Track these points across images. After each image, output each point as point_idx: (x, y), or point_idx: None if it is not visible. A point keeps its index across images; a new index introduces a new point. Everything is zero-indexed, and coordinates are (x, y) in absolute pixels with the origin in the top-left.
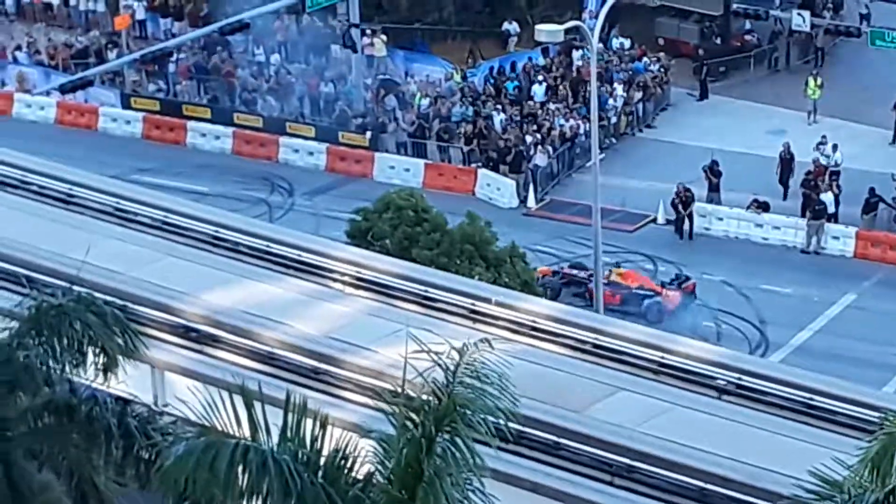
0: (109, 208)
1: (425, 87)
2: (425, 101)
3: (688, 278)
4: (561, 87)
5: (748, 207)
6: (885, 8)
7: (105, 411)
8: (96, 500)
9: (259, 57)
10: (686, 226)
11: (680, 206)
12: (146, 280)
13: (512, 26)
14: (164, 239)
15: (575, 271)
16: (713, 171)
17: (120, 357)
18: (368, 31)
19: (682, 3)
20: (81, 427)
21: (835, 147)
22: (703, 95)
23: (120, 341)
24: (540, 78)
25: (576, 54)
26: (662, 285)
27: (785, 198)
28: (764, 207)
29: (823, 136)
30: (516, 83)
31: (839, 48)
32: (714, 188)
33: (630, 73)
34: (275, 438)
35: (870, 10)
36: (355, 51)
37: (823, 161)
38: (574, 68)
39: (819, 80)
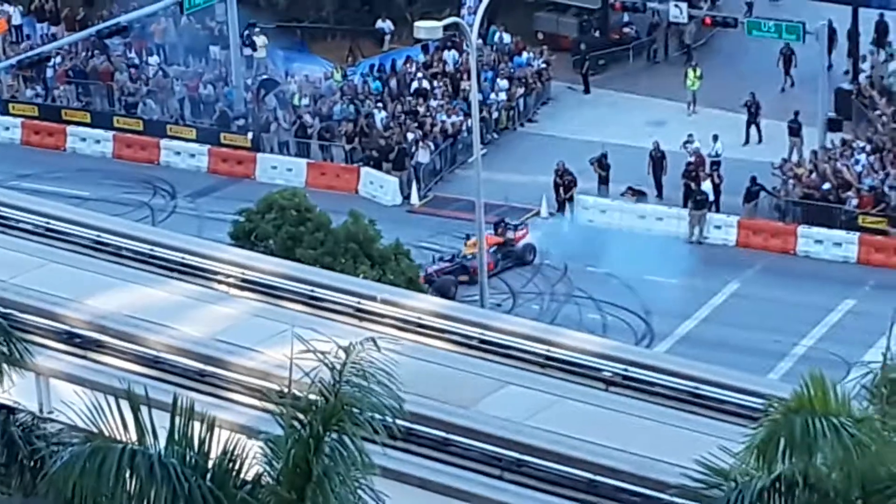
0: None
1: (306, 87)
2: (306, 101)
3: (503, 220)
4: (441, 83)
5: (623, 195)
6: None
7: None
8: None
9: (134, 60)
10: (567, 210)
11: (561, 190)
12: (29, 287)
13: (386, 24)
14: (46, 245)
15: (440, 265)
16: (602, 164)
17: (4, 366)
18: (246, 32)
19: None
20: None
21: (715, 137)
22: (586, 89)
23: (4, 349)
24: (420, 75)
25: (447, 54)
26: (505, 234)
27: (660, 195)
28: (639, 194)
29: (690, 135)
30: (378, 83)
31: (717, 38)
32: (603, 181)
33: (513, 68)
34: (162, 442)
35: (753, 1)
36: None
37: (703, 151)
38: (452, 65)
39: (698, 71)
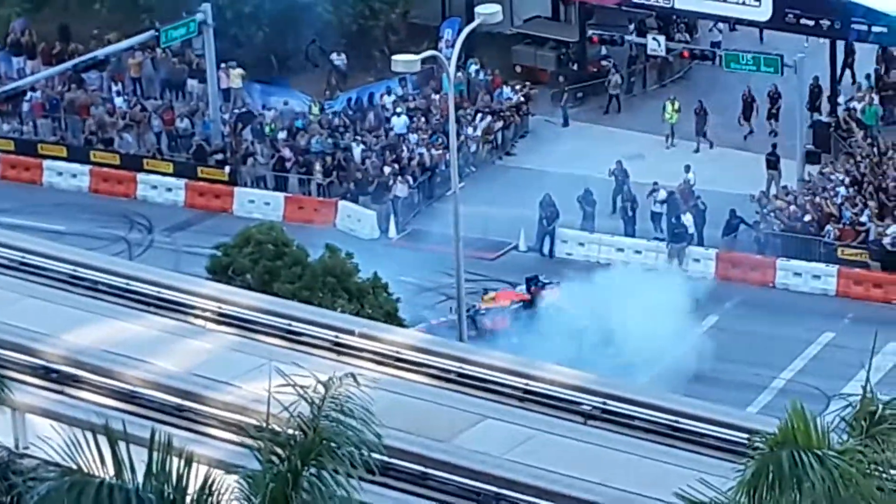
0: None
1: (283, 120)
2: (283, 134)
3: (537, 276)
4: (420, 117)
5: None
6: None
7: None
8: None
9: (111, 94)
10: (547, 243)
11: (544, 221)
12: (4, 322)
13: (340, 59)
14: (22, 280)
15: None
16: (587, 200)
17: None
18: (223, 65)
19: (539, 30)
20: None
21: (687, 168)
22: (565, 122)
23: None
24: (399, 110)
25: (431, 86)
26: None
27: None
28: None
29: (655, 183)
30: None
31: (695, 71)
32: (589, 217)
33: (498, 102)
34: (140, 477)
35: (722, 37)
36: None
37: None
38: (435, 98)
39: (676, 105)
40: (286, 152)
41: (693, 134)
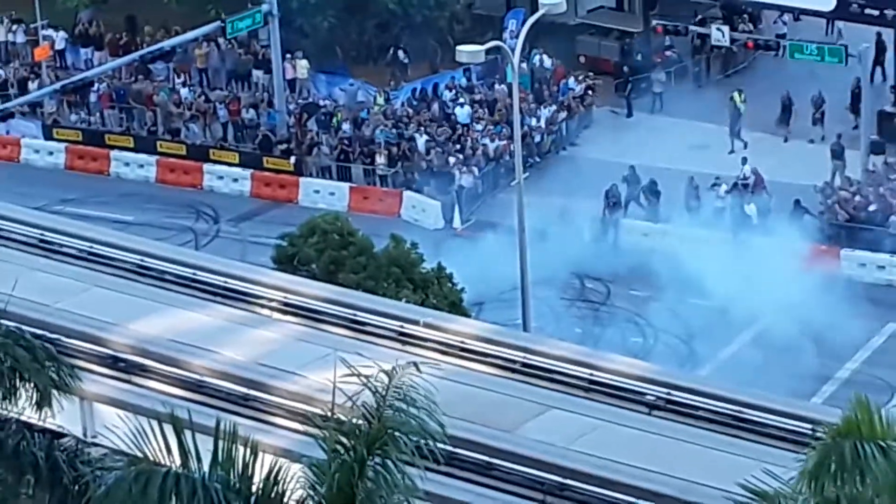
0: (34, 240)
1: (348, 111)
2: (347, 125)
3: None
4: (485, 108)
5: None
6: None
7: (32, 445)
8: None
9: (178, 85)
10: (612, 233)
11: (607, 211)
12: (73, 311)
13: (403, 49)
14: (89, 269)
15: None
16: (652, 190)
17: (53, 391)
18: (288, 55)
19: (603, 20)
20: (8, 461)
21: (744, 160)
22: (629, 113)
23: (52, 375)
24: (462, 100)
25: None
26: None
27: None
28: None
29: (717, 178)
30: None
31: (759, 61)
32: (653, 207)
33: (562, 94)
34: (206, 466)
35: (787, 29)
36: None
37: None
38: (499, 89)
39: (743, 95)
40: (350, 143)
41: (756, 124)
